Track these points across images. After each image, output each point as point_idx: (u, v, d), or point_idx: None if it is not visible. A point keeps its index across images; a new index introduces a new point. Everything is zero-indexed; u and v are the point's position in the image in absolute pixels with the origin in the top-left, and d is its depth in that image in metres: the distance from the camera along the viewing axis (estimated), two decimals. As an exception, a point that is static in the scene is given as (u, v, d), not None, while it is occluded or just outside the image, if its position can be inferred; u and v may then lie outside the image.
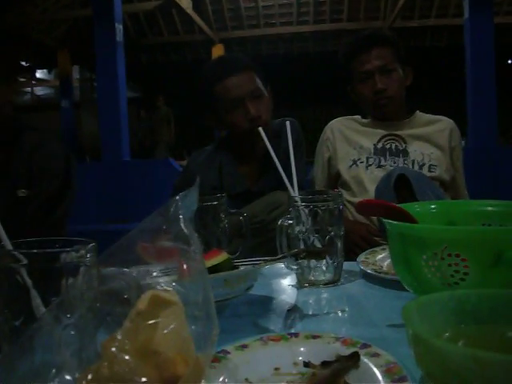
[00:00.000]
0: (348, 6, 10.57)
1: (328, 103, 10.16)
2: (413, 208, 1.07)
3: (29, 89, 16.26)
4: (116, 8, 6.87)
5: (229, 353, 0.74)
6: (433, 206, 1.13)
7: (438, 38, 11.46)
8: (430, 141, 2.13)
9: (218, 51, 10.83)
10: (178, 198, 0.64)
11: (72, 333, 0.60)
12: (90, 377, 0.54)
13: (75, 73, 13.34)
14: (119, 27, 7.00)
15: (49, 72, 14.65)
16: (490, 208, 1.07)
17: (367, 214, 1.80)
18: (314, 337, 0.79)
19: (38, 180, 1.66)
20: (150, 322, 0.56)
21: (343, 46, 2.23)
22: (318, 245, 1.17)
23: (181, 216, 0.63)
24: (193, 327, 0.59)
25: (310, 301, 1.12)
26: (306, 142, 2.06)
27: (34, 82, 15.56)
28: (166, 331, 0.56)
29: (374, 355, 0.70)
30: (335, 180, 2.19)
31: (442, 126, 2.17)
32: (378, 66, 2.07)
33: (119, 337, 0.55)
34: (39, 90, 16.46)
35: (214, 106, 1.96)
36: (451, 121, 2.20)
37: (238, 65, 1.93)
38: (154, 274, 0.67)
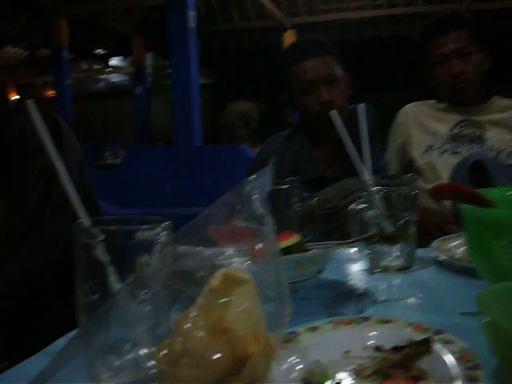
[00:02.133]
0: (423, -12, 10.31)
1: (402, 89, 9.95)
2: (490, 193, 1.04)
3: (104, 76, 16.65)
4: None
5: (299, 334, 0.75)
6: (511, 192, 1.10)
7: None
8: (509, 126, 2.05)
9: (289, 37, 10.78)
10: (252, 178, 0.65)
11: (147, 309, 0.61)
12: (163, 352, 0.55)
13: (149, 60, 13.57)
14: (192, 14, 7.06)
15: (123, 59, 14.95)
16: None
17: (442, 199, 1.75)
18: (386, 321, 0.78)
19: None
20: (223, 299, 0.56)
21: (419, 29, 2.18)
22: (391, 230, 1.15)
23: (255, 196, 0.64)
24: (265, 306, 0.60)
25: (382, 286, 1.11)
26: (380, 128, 2.03)
27: (109, 69, 15.92)
28: (238, 309, 0.56)
29: (447, 342, 0.69)
30: (408, 166, 2.15)
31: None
32: (455, 48, 2.01)
33: (193, 313, 0.56)
34: (114, 77, 16.84)
35: (289, 88, 1.96)
36: None
37: (316, 48, 1.93)
38: (227, 254, 0.67)
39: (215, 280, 0.57)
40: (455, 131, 2.07)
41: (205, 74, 12.40)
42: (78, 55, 12.82)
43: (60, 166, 0.73)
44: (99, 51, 13.77)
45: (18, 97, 14.90)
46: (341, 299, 1.03)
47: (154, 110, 13.24)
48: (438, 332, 0.72)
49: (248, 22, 11.65)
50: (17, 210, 1.48)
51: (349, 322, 0.79)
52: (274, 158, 0.91)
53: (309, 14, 11.26)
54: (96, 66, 15.89)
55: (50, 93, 10.92)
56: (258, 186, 0.64)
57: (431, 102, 2.19)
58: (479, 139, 2.04)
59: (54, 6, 9.67)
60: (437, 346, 0.68)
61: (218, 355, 0.54)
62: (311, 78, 1.88)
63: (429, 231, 1.77)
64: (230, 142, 8.89)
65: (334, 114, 1.34)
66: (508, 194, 1.09)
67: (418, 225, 1.20)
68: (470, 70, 2.03)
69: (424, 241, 1.41)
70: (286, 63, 1.98)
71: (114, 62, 15.47)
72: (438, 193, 1.05)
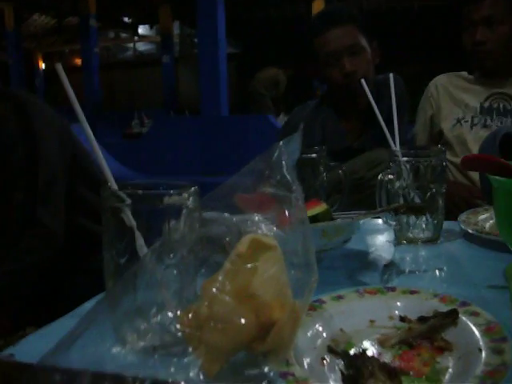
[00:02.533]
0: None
1: (432, 60, 9.80)
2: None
3: (131, 45, 16.65)
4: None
5: (324, 302, 0.75)
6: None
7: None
8: None
9: (318, 6, 10.63)
10: (281, 143, 0.64)
11: (173, 273, 0.61)
12: (190, 315, 0.55)
13: (176, 28, 13.52)
14: (219, -18, 7.01)
15: (150, 28, 14.92)
16: None
17: (471, 170, 1.72)
18: (412, 292, 0.78)
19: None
20: (250, 265, 0.57)
21: None
22: (418, 201, 1.14)
23: (283, 162, 0.63)
24: (292, 273, 0.60)
25: (408, 258, 1.11)
26: (408, 100, 2.00)
27: (136, 38, 15.91)
28: (264, 275, 0.56)
29: (474, 314, 0.69)
30: (437, 139, 2.12)
31: None
32: (483, 16, 1.95)
33: (219, 278, 0.56)
34: (141, 46, 16.83)
35: (314, 58, 1.94)
36: None
37: (340, 18, 1.90)
38: (254, 220, 0.67)
39: (242, 245, 0.57)
40: (486, 104, 2.03)
41: (231, 43, 12.34)
42: (105, 24, 12.82)
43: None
44: (126, 20, 13.76)
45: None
46: (366, 269, 1.02)
47: (181, 79, 13.22)
48: (464, 304, 0.71)
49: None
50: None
51: (374, 292, 0.79)
52: (302, 124, 0.90)
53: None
54: (123, 35, 15.88)
55: (77, 61, 10.96)
56: (287, 152, 0.64)
57: (462, 73, 2.15)
58: (510, 112, 2.00)
59: (82, -26, 9.66)
60: (463, 318, 0.68)
61: (244, 320, 0.54)
62: (333, 48, 1.86)
63: (456, 204, 1.75)
64: (257, 111, 8.84)
65: (364, 83, 1.32)
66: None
67: (445, 198, 1.19)
68: (493, 39, 1.96)
69: (451, 214, 1.40)
70: (310, 34, 1.96)
71: (141, 30, 15.45)
72: (468, 163, 1.03)
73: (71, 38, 13.23)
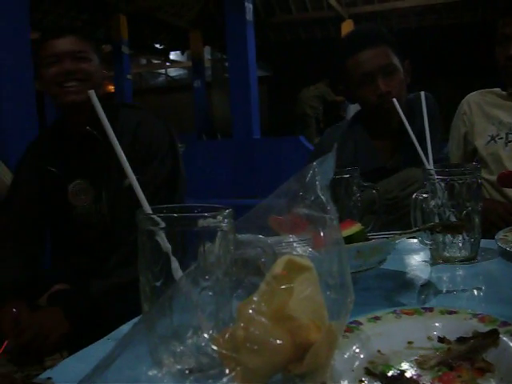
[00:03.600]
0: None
1: (463, 78, 9.73)
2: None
3: (163, 70, 16.87)
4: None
5: (361, 324, 0.74)
6: None
7: None
8: None
9: (347, 27, 10.66)
10: (314, 164, 0.64)
11: (209, 295, 0.61)
12: (226, 337, 0.55)
13: (207, 53, 13.68)
14: (249, 6, 7.08)
15: (182, 53, 15.11)
16: None
17: (509, 186, 1.68)
18: (450, 312, 0.77)
19: (144, 165, 1.70)
20: (285, 286, 0.56)
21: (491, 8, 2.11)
22: (454, 220, 1.13)
23: (317, 182, 0.63)
24: (328, 294, 0.59)
25: (445, 277, 1.09)
26: (441, 118, 1.98)
27: (167, 64, 16.12)
28: (300, 296, 0.56)
29: (513, 334, 0.67)
30: (471, 157, 2.09)
31: None
32: None
33: (255, 299, 0.56)
34: (172, 72, 17.04)
35: (345, 79, 1.93)
36: None
37: (372, 38, 1.89)
38: (289, 242, 0.67)
39: (278, 267, 0.57)
40: None
41: (262, 66, 12.42)
42: (137, 50, 13.03)
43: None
44: (158, 46, 13.96)
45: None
46: (403, 290, 1.01)
47: (213, 104, 13.35)
48: (505, 324, 0.70)
49: (305, 14, 11.59)
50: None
51: (412, 313, 0.78)
52: (336, 144, 0.90)
53: (367, 4, 11.12)
54: (155, 61, 16.11)
55: (111, 87, 11.15)
56: (321, 173, 0.64)
57: (495, 89, 2.12)
58: None
59: (114, 2, 9.86)
60: (504, 338, 0.66)
61: (280, 341, 0.54)
62: (367, 69, 1.84)
63: (492, 222, 1.72)
64: (302, 133, 8.84)
65: (396, 102, 1.31)
66: None
67: (483, 215, 1.17)
68: None
69: (488, 232, 1.37)
70: (341, 55, 1.95)
71: (173, 56, 15.67)
72: (504, 179, 1.02)
73: (105, 64, 13.48)
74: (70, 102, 1.75)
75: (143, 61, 16.10)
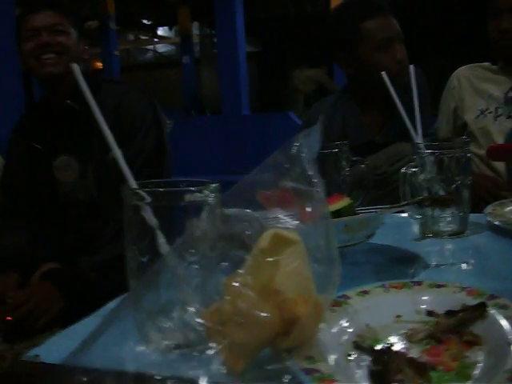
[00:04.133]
0: None
1: (453, 52, 9.70)
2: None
3: (151, 46, 16.73)
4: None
5: (349, 298, 0.73)
6: None
7: None
8: None
9: (336, 3, 10.58)
10: (299, 136, 0.63)
11: (195, 270, 0.61)
12: (212, 311, 0.55)
13: (195, 29, 13.56)
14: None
15: (170, 29, 14.97)
16: None
17: (498, 159, 1.68)
18: (438, 286, 0.76)
19: (127, 139, 1.69)
20: (272, 259, 0.56)
21: None
22: (443, 194, 1.12)
23: (303, 155, 0.62)
24: (314, 267, 0.59)
25: (434, 251, 1.09)
26: (430, 93, 1.97)
27: (155, 40, 15.98)
28: (287, 270, 0.56)
29: (503, 307, 0.67)
30: (461, 131, 2.09)
31: None
32: (509, 3, 1.90)
33: (241, 274, 0.55)
34: (161, 48, 16.90)
35: (353, 45, 1.88)
36: None
37: (383, 6, 1.87)
38: (276, 216, 0.66)
39: (264, 240, 0.56)
40: (510, 94, 2.00)
41: (251, 42, 12.33)
42: (124, 26, 12.89)
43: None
44: (145, 22, 13.82)
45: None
46: (391, 264, 1.01)
47: (202, 80, 13.26)
48: (493, 297, 0.70)
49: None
50: None
51: (400, 286, 0.77)
52: (322, 116, 0.88)
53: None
54: (142, 37, 15.96)
55: (98, 64, 11.04)
56: (307, 145, 0.63)
57: (485, 64, 2.11)
58: None
59: (100, -24, 9.74)
60: (492, 311, 0.66)
61: (267, 315, 0.54)
62: (388, 34, 1.82)
63: (481, 197, 1.72)
64: (289, 108, 8.78)
65: (385, 76, 1.30)
66: None
67: (472, 188, 1.17)
68: None
69: (477, 207, 1.38)
70: (351, 20, 1.90)
71: (161, 32, 15.52)
72: (493, 153, 1.02)
73: (91, 41, 13.34)
74: (48, 74, 1.75)
75: (131, 37, 15.95)
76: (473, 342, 0.63)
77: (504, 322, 0.64)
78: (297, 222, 0.64)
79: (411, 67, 1.31)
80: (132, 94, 1.84)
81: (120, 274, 0.68)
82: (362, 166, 1.35)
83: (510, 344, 0.59)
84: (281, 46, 12.43)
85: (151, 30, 15.03)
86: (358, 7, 1.93)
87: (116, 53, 10.42)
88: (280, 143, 0.66)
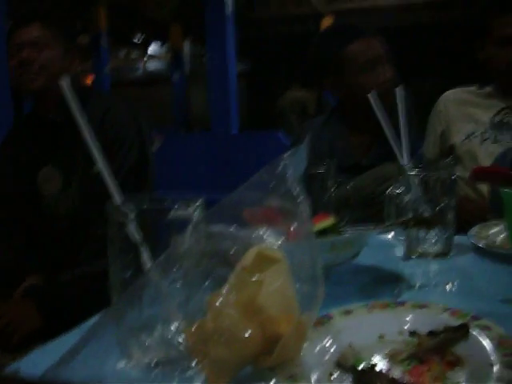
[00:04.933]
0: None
1: (441, 75, 9.80)
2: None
3: (142, 63, 16.76)
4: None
5: (332, 317, 0.74)
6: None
7: None
8: None
9: (327, 24, 10.68)
10: (286, 155, 0.64)
11: (178, 286, 0.61)
12: (195, 329, 0.55)
13: (187, 47, 13.61)
14: (228, 1, 7.06)
15: (161, 46, 15.02)
16: None
17: (482, 181, 1.69)
18: (421, 306, 0.77)
19: (110, 153, 1.70)
20: (255, 278, 0.56)
21: (486, 4, 2.08)
22: (430, 214, 1.13)
23: (289, 174, 0.63)
24: (298, 286, 0.59)
25: (418, 272, 1.10)
26: (417, 116, 1.99)
27: (147, 57, 16.03)
28: (270, 288, 0.56)
29: (485, 328, 0.67)
30: (448, 154, 2.10)
31: None
32: None
33: (224, 291, 0.55)
34: (152, 65, 16.94)
35: (337, 70, 1.91)
36: None
37: (363, 30, 1.90)
38: (261, 233, 0.66)
39: (247, 258, 0.56)
40: (497, 118, 2.00)
41: (242, 61, 12.40)
42: (116, 43, 12.92)
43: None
44: (137, 39, 13.86)
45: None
46: (376, 284, 1.02)
47: (192, 97, 13.29)
48: (475, 318, 0.70)
49: (285, 9, 11.59)
50: None
51: (384, 306, 0.78)
52: (309, 135, 0.89)
53: (347, 1, 11.15)
54: (133, 54, 16.00)
55: (88, 80, 11.05)
56: (293, 164, 0.63)
57: (472, 88, 2.13)
58: None
59: (93, -7, 9.78)
60: (474, 332, 0.66)
61: (249, 334, 0.54)
62: (371, 56, 1.85)
63: (466, 220, 1.73)
64: (283, 126, 8.81)
65: (372, 97, 1.31)
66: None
67: (457, 210, 1.18)
68: None
69: (461, 228, 1.38)
70: (332, 46, 1.93)
71: (152, 49, 15.56)
72: (477, 175, 1.03)
73: (82, 56, 13.36)
74: (28, 91, 1.78)
75: (122, 53, 15.98)
76: (455, 363, 0.63)
77: (486, 343, 0.64)
78: (281, 241, 0.64)
79: (398, 89, 1.32)
80: (117, 107, 1.84)
81: (102, 289, 0.68)
82: (348, 187, 1.36)
83: (491, 365, 0.59)
84: (272, 66, 12.48)
85: (143, 47, 15.08)
86: (340, 32, 1.97)
87: (107, 69, 10.44)
88: (268, 162, 0.66)
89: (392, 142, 1.25)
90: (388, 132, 1.26)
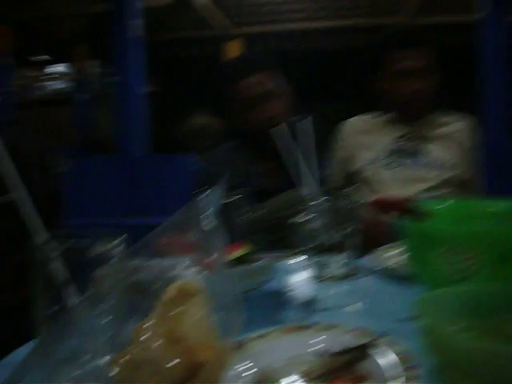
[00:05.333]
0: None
1: (346, 100, 10.07)
2: (429, 205, 1.10)
3: (47, 83, 16.34)
4: (131, 3, 6.87)
5: (249, 341, 0.78)
6: (448, 204, 1.16)
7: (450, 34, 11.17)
8: (450, 140, 2.10)
9: (236, 46, 10.79)
10: (202, 195, 0.68)
11: (105, 320, 0.63)
12: (122, 360, 0.58)
13: (93, 67, 13.39)
14: (136, 22, 7.01)
15: (66, 66, 14.72)
16: (500, 207, 1.10)
17: (381, 211, 1.79)
18: (330, 327, 0.82)
19: (19, 182, 1.68)
20: (178, 310, 0.59)
21: (382, 39, 2.17)
22: (335, 240, 1.19)
23: (204, 213, 0.66)
24: (218, 314, 0.63)
25: (327, 294, 1.15)
26: (326, 139, 2.05)
27: (52, 76, 15.64)
28: (192, 319, 0.59)
29: (388, 345, 0.73)
30: (352, 179, 2.16)
31: (461, 124, 2.15)
32: (415, 66, 2.01)
33: (149, 323, 0.59)
34: (56, 84, 16.54)
35: (230, 105, 1.98)
36: (472, 118, 2.18)
37: (253, 65, 1.94)
38: (181, 266, 0.70)
39: (170, 291, 0.60)
40: (397, 144, 2.10)
41: (154, 82, 12.29)
42: (20, 62, 12.56)
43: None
44: (42, 58, 13.53)
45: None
46: (288, 307, 1.06)
47: (98, 119, 13.04)
48: (379, 336, 0.76)
49: (196, 31, 11.61)
50: None
51: (296, 329, 0.82)
52: (223, 171, 0.93)
53: (257, 24, 11.28)
54: (39, 73, 15.58)
55: (-9, 100, 10.65)
56: (209, 203, 0.67)
57: (373, 115, 2.22)
58: (420, 152, 2.07)
59: (-4, 12, 9.48)
60: (378, 349, 0.72)
61: (174, 363, 0.57)
62: (258, 92, 1.90)
63: (370, 242, 1.80)
64: (194, 148, 8.74)
65: (275, 131, 1.36)
66: (447, 205, 1.15)
67: (360, 235, 1.25)
68: (426, 88, 2.04)
69: (367, 250, 1.46)
70: (227, 80, 1.99)
71: (57, 69, 15.21)
72: (376, 206, 1.10)
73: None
74: None
75: (28, 72, 15.52)
76: (362, 378, 0.68)
77: (388, 359, 0.70)
78: (200, 272, 0.68)
79: (301, 122, 1.37)
80: (25, 135, 1.81)
81: (18, 323, 0.69)
82: (260, 212, 1.40)
83: (385, 381, 0.65)
84: (181, 88, 12.46)
85: (47, 67, 14.72)
86: (237, 65, 2.03)
87: (10, 88, 10.11)
88: (175, 185, 0.70)
89: (297, 172, 1.30)
90: (290, 161, 1.31)
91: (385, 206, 1.10)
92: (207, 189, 0.72)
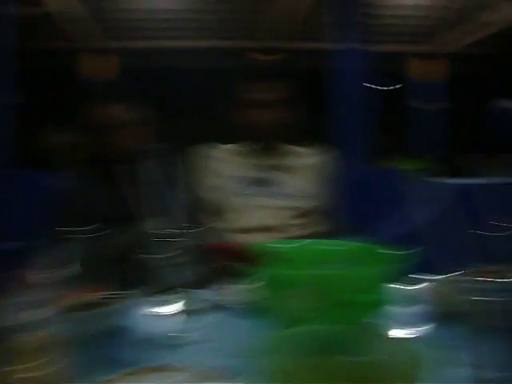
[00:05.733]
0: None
1: (204, 120, 9.95)
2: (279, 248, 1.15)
3: None
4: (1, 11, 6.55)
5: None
6: (302, 245, 1.22)
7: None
8: (305, 170, 2.15)
9: (108, 61, 10.54)
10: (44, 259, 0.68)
11: None
12: None
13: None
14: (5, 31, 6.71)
15: None
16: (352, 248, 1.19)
17: (222, 258, 1.62)
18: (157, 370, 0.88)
19: None
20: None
21: (242, 71, 2.22)
22: (177, 277, 1.18)
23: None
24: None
25: (172, 330, 1.14)
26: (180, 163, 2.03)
27: None
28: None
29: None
30: (208, 205, 2.12)
31: (318, 155, 2.20)
32: (267, 98, 2.05)
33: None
34: None
35: (87, 126, 1.97)
36: (323, 148, 2.23)
37: (111, 92, 1.95)
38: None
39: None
40: (250, 174, 2.12)
41: (22, 93, 11.74)
42: None
43: None
44: None
45: None
46: (127, 347, 1.07)
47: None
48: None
49: (70, 42, 11.24)
50: None
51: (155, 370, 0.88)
52: (71, 200, 0.92)
53: (132, 39, 11.06)
54: None
55: None
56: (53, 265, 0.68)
57: (226, 145, 2.23)
58: (275, 183, 2.10)
59: None
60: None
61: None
62: (110, 122, 1.91)
63: (220, 272, 1.79)
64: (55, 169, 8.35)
65: (131, 160, 1.35)
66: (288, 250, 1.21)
67: (208, 269, 1.26)
68: (278, 120, 2.07)
69: (213, 282, 1.46)
70: (87, 99, 1.98)
71: None
72: (213, 251, 1.12)
73: None
74: None
75: None
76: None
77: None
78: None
79: (155, 150, 1.37)
80: None
81: None
82: (112, 246, 1.38)
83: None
84: (49, 99, 12.00)
85: None
86: (103, 90, 2.03)
87: None
88: (29, 202, 0.69)
89: (147, 201, 1.30)
90: (144, 191, 1.30)
91: (219, 252, 1.12)
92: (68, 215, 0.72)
